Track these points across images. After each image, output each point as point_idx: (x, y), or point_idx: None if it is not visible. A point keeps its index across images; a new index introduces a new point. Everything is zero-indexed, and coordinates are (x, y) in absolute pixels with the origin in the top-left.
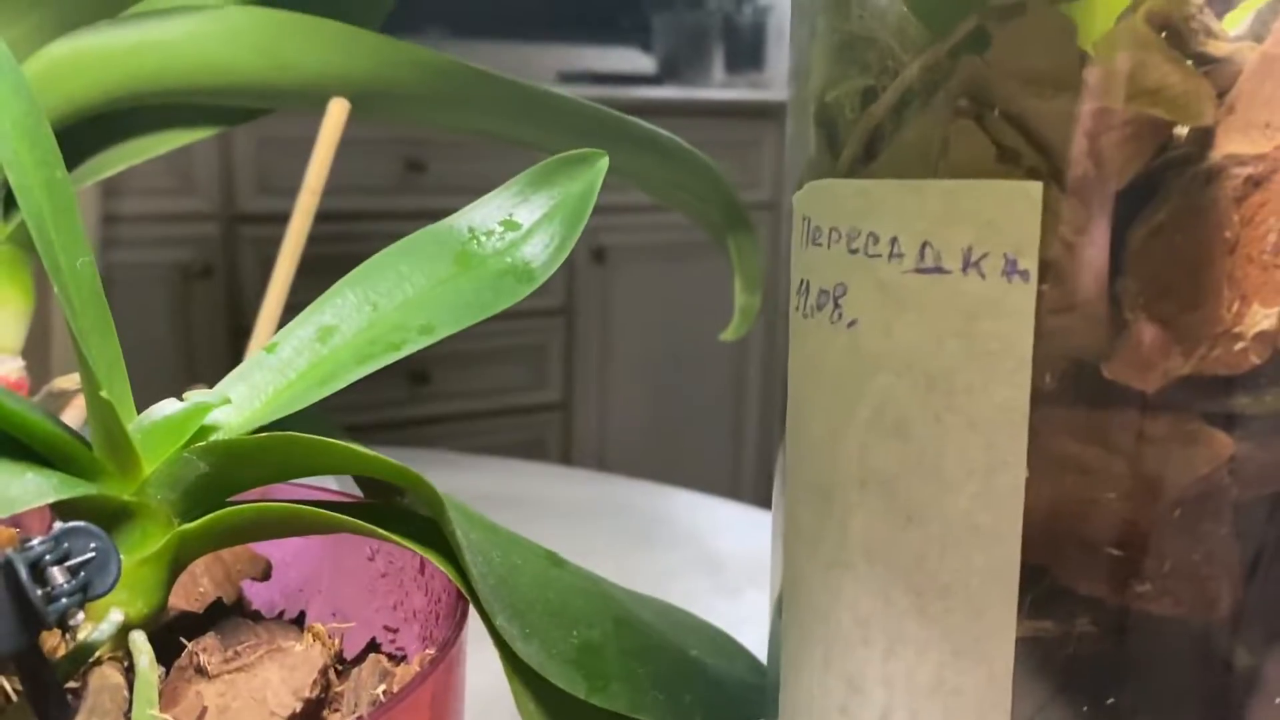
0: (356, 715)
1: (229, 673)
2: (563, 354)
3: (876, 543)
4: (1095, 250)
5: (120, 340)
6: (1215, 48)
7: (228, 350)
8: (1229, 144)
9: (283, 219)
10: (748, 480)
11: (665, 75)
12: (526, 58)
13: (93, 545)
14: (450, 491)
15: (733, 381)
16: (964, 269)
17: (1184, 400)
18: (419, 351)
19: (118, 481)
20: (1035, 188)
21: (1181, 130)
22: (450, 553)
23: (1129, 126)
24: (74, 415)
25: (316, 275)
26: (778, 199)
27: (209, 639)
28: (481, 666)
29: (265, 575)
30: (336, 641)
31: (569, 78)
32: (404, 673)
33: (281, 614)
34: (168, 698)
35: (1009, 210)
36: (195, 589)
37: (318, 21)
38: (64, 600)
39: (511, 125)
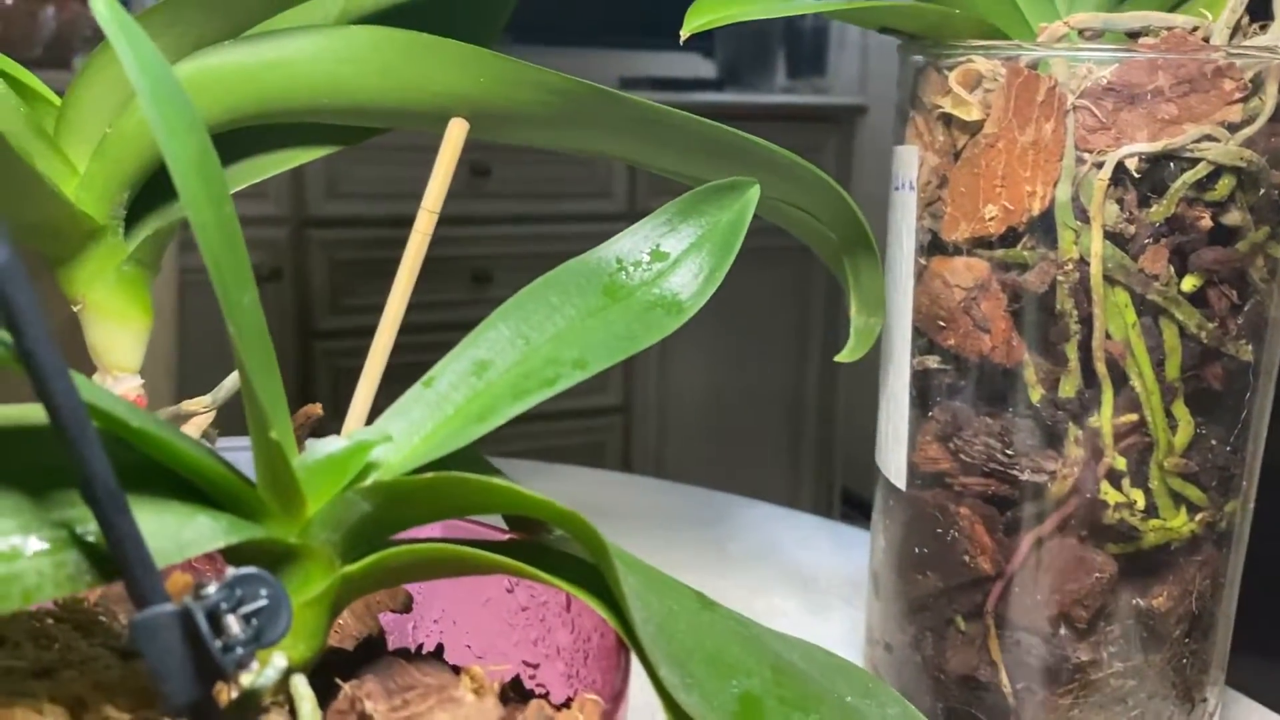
0: None
1: None
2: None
3: None
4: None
5: (191, 342)
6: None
7: (296, 352)
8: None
9: (351, 223)
10: (807, 486)
11: (727, 80)
12: (587, 64)
13: (264, 592)
14: None
15: (792, 387)
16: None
17: (970, 246)
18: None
19: (282, 523)
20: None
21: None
22: (603, 593)
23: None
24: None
25: (385, 278)
26: None
27: (371, 684)
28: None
29: (406, 608)
30: (495, 685)
31: (630, 83)
32: (564, 718)
33: (420, 648)
34: None
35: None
36: (337, 621)
37: (439, 41)
38: (239, 650)
39: (629, 145)
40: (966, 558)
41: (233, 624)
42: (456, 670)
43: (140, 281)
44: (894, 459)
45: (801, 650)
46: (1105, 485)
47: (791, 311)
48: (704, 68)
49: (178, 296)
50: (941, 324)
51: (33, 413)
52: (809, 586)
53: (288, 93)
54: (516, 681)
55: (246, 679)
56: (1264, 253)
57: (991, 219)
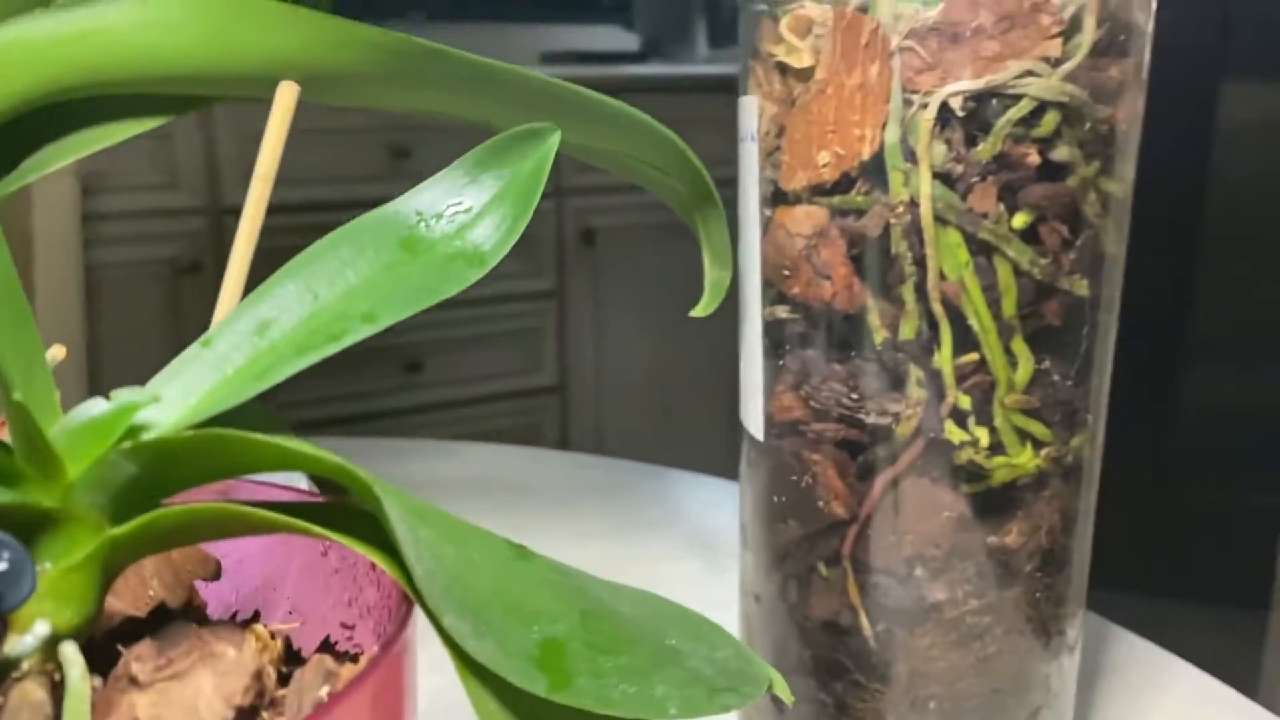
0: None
1: (162, 681)
2: (556, 337)
3: None
4: (774, 129)
5: (112, 338)
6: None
7: None
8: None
9: (272, 210)
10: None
11: (649, 53)
12: (509, 39)
13: (6, 555)
14: (443, 479)
15: (728, 359)
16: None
17: (809, 194)
18: (410, 339)
19: (40, 487)
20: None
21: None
22: (391, 547)
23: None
24: None
25: None
26: None
27: (144, 646)
28: (442, 665)
29: (215, 575)
30: (278, 642)
31: (551, 58)
32: (349, 673)
33: (235, 615)
34: (101, 710)
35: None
36: (145, 593)
37: (259, 4)
38: None
39: (465, 103)
40: (822, 504)
41: None
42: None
43: None
44: (752, 411)
45: (634, 598)
46: (950, 425)
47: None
48: (626, 40)
49: (84, 293)
50: (786, 273)
51: None
52: (712, 549)
53: (109, 63)
54: (326, 645)
55: (6, 647)
56: (1096, 188)
57: (825, 166)
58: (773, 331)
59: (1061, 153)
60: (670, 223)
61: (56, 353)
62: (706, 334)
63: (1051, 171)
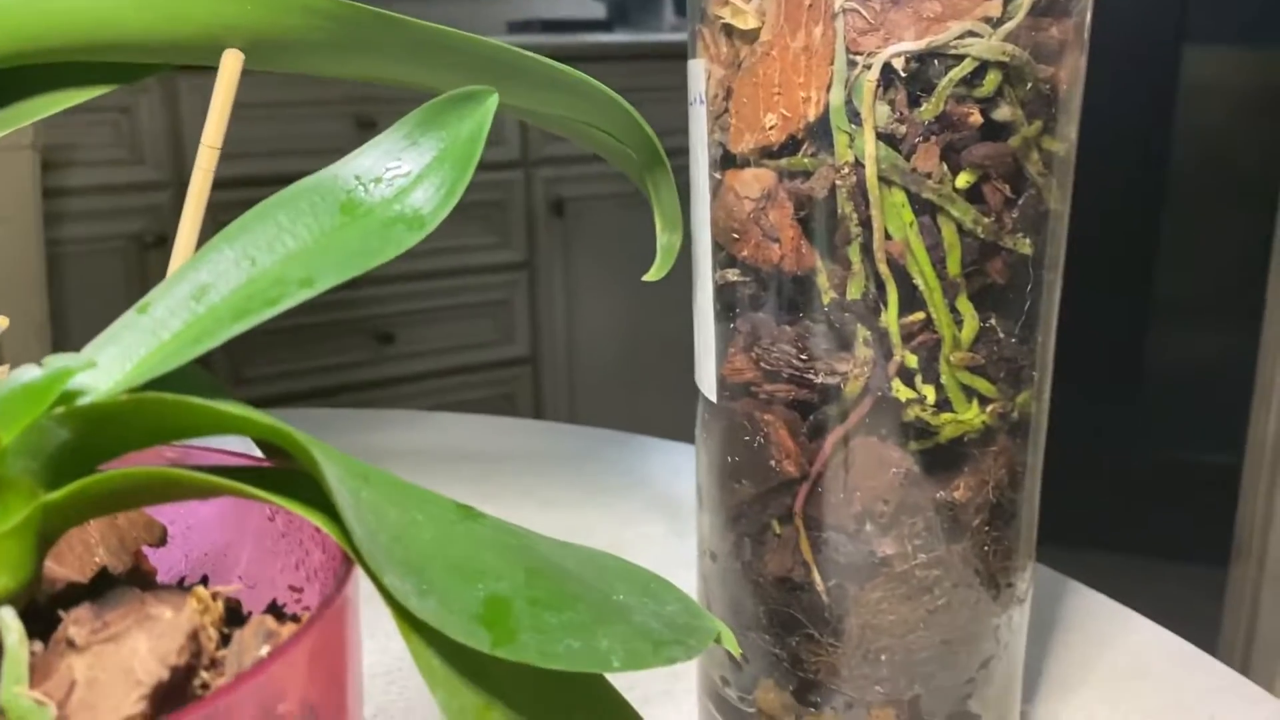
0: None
1: (98, 644)
2: (528, 308)
3: None
4: (722, 92)
5: (77, 314)
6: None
7: None
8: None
9: (234, 184)
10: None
11: (615, 20)
12: (476, 8)
13: None
14: (415, 449)
15: None
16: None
17: (756, 157)
18: (381, 311)
19: None
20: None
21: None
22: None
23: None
24: None
25: None
26: None
27: (81, 610)
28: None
29: (161, 541)
30: (219, 604)
31: (518, 27)
32: (289, 632)
33: (183, 581)
34: (39, 673)
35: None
36: (90, 559)
37: None
38: None
39: (415, 70)
40: (774, 463)
41: None
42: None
43: None
44: (705, 373)
45: (581, 556)
46: (897, 383)
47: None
48: (593, 8)
49: (46, 266)
50: (736, 236)
51: None
52: (677, 511)
53: (45, 31)
54: (273, 608)
55: None
56: (1038, 147)
57: (772, 128)
58: (724, 294)
59: (1003, 112)
60: (638, 192)
61: (0, 322)
62: (676, 301)
63: (994, 131)
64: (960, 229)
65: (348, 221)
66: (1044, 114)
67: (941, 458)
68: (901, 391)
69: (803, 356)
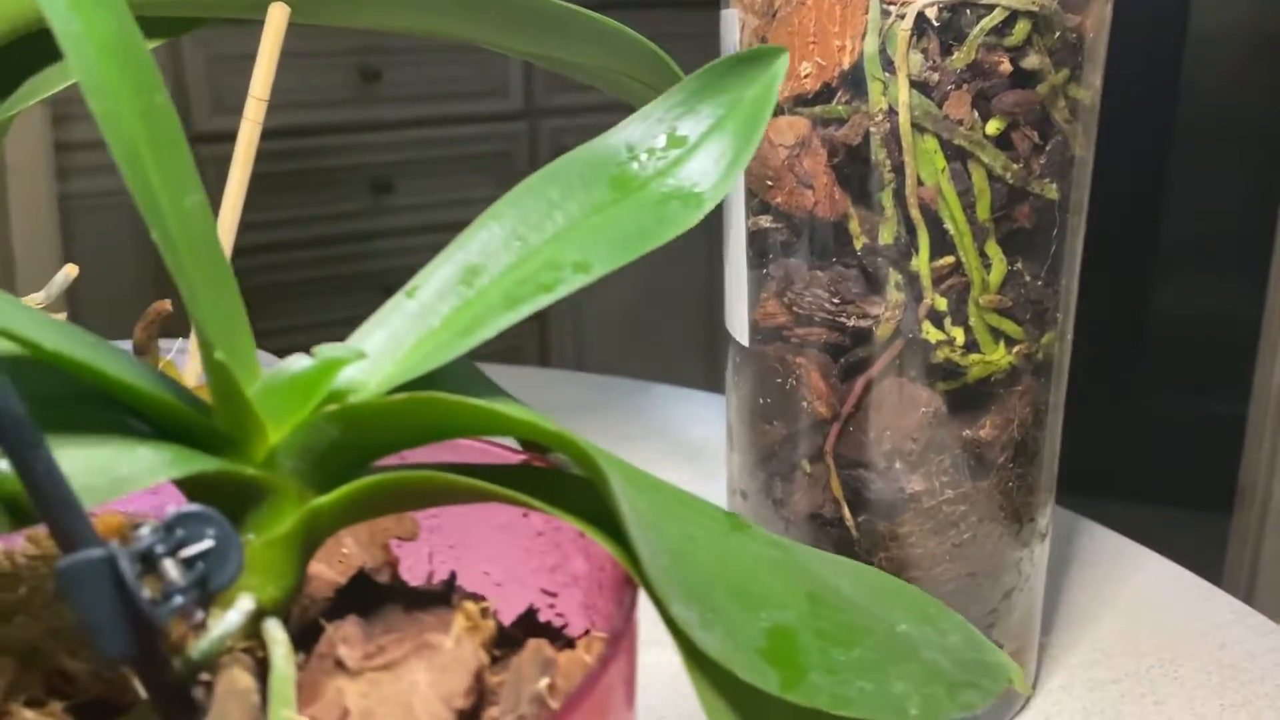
0: (516, 715)
1: (372, 671)
2: None
3: None
4: (756, 40)
5: (85, 270)
6: None
7: None
8: None
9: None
10: (723, 372)
11: None
12: None
13: (210, 532)
14: None
15: (705, 276)
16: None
17: (791, 105)
18: (390, 265)
19: (241, 453)
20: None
21: None
22: (611, 521)
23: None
24: None
25: (276, 194)
26: None
27: (349, 626)
28: (653, 639)
29: (412, 535)
30: (490, 623)
31: None
32: (567, 661)
33: (431, 575)
34: (306, 692)
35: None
36: (338, 550)
37: None
38: (179, 598)
39: (451, 21)
40: (805, 404)
41: (170, 569)
42: (452, 606)
43: None
44: (738, 318)
45: (851, 573)
46: (927, 325)
47: None
48: None
49: (59, 222)
50: (770, 183)
51: None
52: (698, 457)
53: None
54: (530, 614)
55: (210, 623)
56: (1065, 94)
57: (807, 76)
58: (757, 241)
59: (1032, 60)
60: None
61: (70, 271)
62: (684, 252)
63: (1022, 79)
64: (990, 175)
65: (618, 198)
66: (1071, 62)
67: (968, 397)
68: (931, 333)
69: (835, 300)
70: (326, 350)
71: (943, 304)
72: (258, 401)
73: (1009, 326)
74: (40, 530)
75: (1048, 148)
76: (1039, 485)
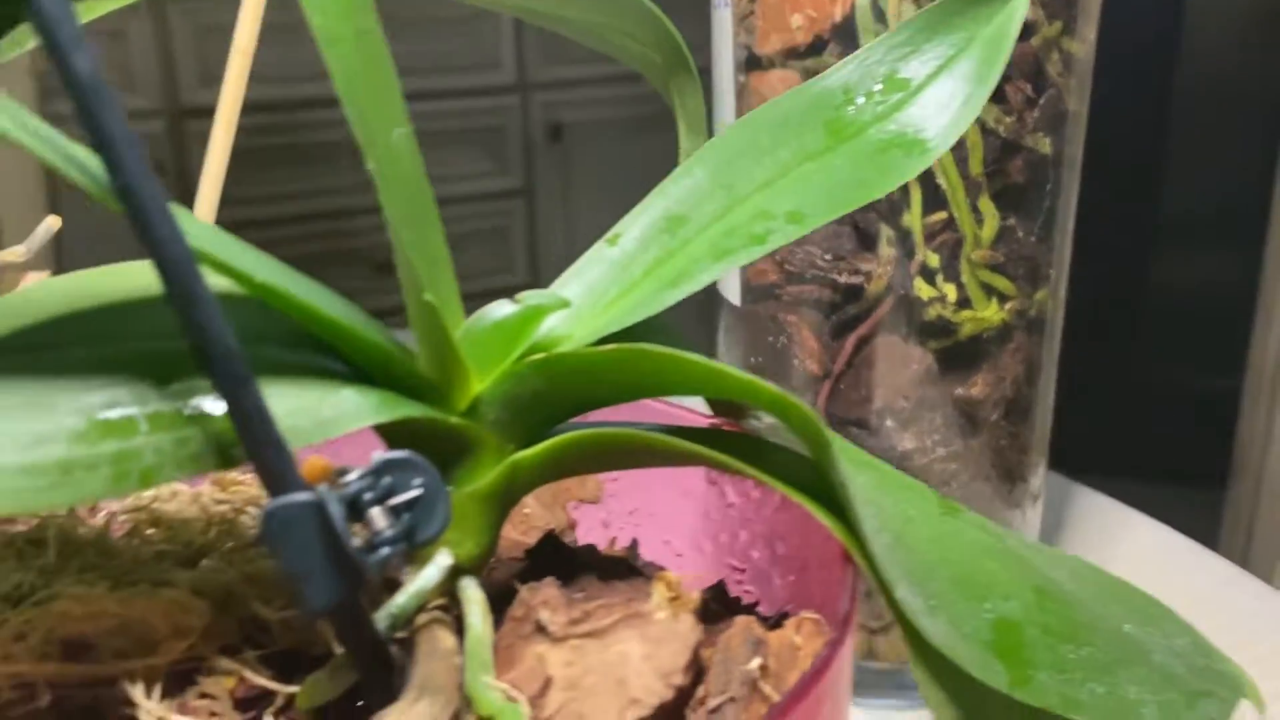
0: (727, 697)
1: (576, 637)
2: (525, 237)
3: None
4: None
5: (76, 245)
6: None
7: None
8: None
9: (240, 110)
10: (715, 336)
11: None
12: None
13: (418, 481)
14: None
15: None
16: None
17: (782, 58)
18: (378, 240)
19: (444, 400)
20: None
21: None
22: (821, 493)
23: None
24: None
25: (263, 169)
26: None
27: (549, 589)
28: None
29: (595, 498)
30: (695, 596)
31: None
32: (777, 641)
33: (613, 541)
34: (503, 658)
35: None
36: (520, 510)
37: None
38: (385, 549)
39: None
40: (797, 362)
41: (378, 517)
42: (645, 574)
43: None
44: (729, 278)
45: (1068, 566)
46: (919, 281)
47: None
48: None
49: (47, 194)
50: None
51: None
52: None
53: None
54: (720, 588)
55: (407, 579)
56: (1058, 47)
57: (798, 28)
58: None
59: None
60: (639, 116)
61: (52, 223)
62: None
63: None
64: (983, 128)
65: (834, 144)
66: (1064, 14)
67: (960, 355)
68: (923, 290)
69: (827, 257)
70: (531, 297)
71: (935, 260)
72: (462, 347)
73: (1001, 283)
74: (227, 475)
75: (1041, 101)
76: (1031, 445)
